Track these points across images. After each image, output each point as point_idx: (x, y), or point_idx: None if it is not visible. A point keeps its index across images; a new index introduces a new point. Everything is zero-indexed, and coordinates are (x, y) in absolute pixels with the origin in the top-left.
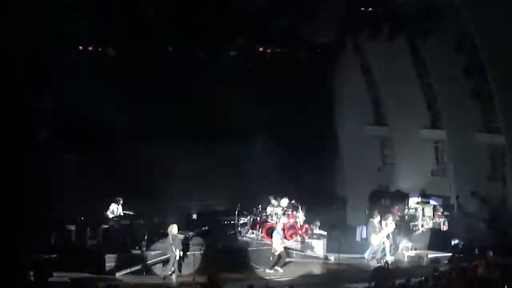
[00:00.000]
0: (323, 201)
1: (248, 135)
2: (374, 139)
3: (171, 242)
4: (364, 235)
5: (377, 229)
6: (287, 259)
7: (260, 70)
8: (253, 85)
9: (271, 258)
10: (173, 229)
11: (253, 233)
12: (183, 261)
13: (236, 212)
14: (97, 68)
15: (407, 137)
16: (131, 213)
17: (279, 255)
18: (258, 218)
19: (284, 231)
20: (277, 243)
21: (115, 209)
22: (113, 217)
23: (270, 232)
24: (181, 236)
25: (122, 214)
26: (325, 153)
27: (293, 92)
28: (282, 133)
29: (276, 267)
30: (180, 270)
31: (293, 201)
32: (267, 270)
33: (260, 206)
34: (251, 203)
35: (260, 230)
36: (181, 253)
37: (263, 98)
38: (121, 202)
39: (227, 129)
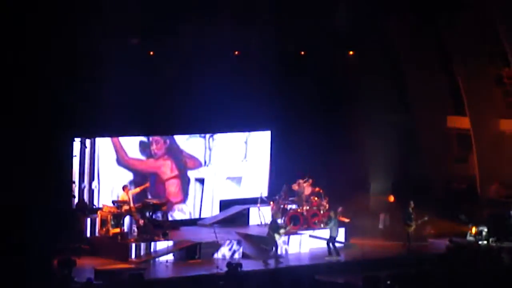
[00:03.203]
0: (346, 188)
1: (270, 123)
2: (398, 126)
3: (268, 226)
4: (388, 223)
5: (412, 217)
6: None
7: (282, 56)
8: (271, 72)
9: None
10: (276, 215)
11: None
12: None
13: (259, 200)
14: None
15: (431, 125)
16: (153, 201)
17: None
18: (281, 206)
19: (307, 219)
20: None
21: (125, 197)
22: (136, 206)
23: (293, 220)
24: (280, 221)
25: (149, 202)
26: (348, 140)
27: (315, 80)
28: (304, 121)
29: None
30: (278, 256)
31: (316, 188)
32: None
33: (282, 194)
34: (274, 190)
35: (284, 217)
36: (278, 236)
37: (282, 84)
38: (129, 188)
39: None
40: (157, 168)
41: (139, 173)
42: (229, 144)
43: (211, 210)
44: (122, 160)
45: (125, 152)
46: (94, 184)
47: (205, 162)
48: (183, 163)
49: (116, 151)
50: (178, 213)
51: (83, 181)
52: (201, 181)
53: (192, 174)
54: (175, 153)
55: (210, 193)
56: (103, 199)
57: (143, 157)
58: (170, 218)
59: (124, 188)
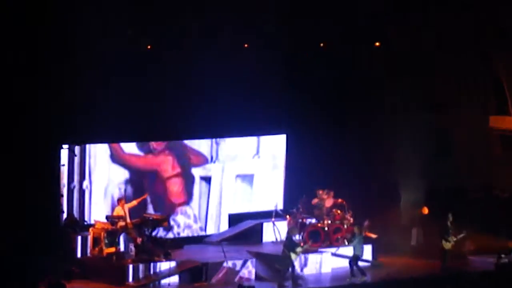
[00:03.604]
0: (373, 199)
1: (285, 126)
2: (432, 127)
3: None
4: (421, 239)
5: (450, 231)
6: None
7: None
8: (286, 69)
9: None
10: (293, 231)
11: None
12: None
13: (273, 213)
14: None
15: (471, 125)
16: (153, 216)
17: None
18: (299, 220)
19: (329, 234)
20: None
21: (121, 212)
22: (133, 222)
23: (313, 236)
24: (296, 238)
25: (148, 216)
26: (374, 144)
27: (336, 77)
28: (324, 123)
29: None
30: (295, 278)
31: (339, 200)
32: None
33: (300, 207)
34: (290, 202)
35: (302, 233)
36: (295, 256)
37: (299, 82)
38: (125, 203)
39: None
40: (157, 165)
41: (136, 171)
42: (239, 138)
43: (218, 218)
44: (117, 156)
45: (120, 146)
46: (85, 183)
47: (211, 158)
48: (187, 159)
49: (110, 146)
50: (181, 217)
51: (73, 180)
52: (207, 179)
53: (196, 172)
54: (177, 148)
55: (217, 194)
56: (95, 202)
57: (141, 153)
58: (173, 225)
59: (119, 201)
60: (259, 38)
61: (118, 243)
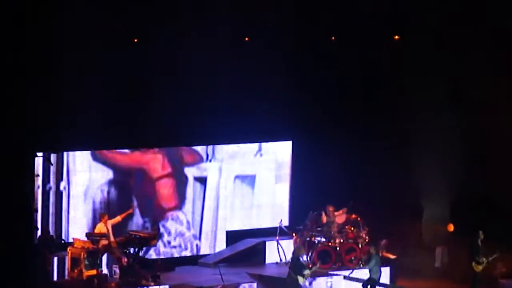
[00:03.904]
0: (392, 215)
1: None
2: (459, 131)
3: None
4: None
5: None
6: None
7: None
8: (292, 66)
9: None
10: (299, 251)
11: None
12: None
13: (278, 230)
14: None
15: (501, 129)
16: (140, 234)
17: None
18: (307, 238)
19: (341, 255)
20: None
21: (103, 228)
22: (117, 240)
23: (322, 256)
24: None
25: (134, 234)
26: (392, 152)
27: (348, 75)
28: (335, 128)
29: None
30: None
31: (353, 215)
32: None
33: (308, 223)
34: (297, 217)
35: (311, 253)
36: (302, 279)
37: (307, 82)
38: (108, 219)
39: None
40: (145, 164)
41: (121, 170)
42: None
43: (214, 233)
44: (99, 154)
45: None
46: (63, 184)
47: (207, 157)
48: (179, 158)
49: None
50: (172, 223)
51: (49, 181)
52: (202, 181)
53: (190, 172)
54: None
55: (213, 197)
56: (74, 208)
57: (126, 150)
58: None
59: (101, 216)
60: (259, 37)
61: (100, 265)
